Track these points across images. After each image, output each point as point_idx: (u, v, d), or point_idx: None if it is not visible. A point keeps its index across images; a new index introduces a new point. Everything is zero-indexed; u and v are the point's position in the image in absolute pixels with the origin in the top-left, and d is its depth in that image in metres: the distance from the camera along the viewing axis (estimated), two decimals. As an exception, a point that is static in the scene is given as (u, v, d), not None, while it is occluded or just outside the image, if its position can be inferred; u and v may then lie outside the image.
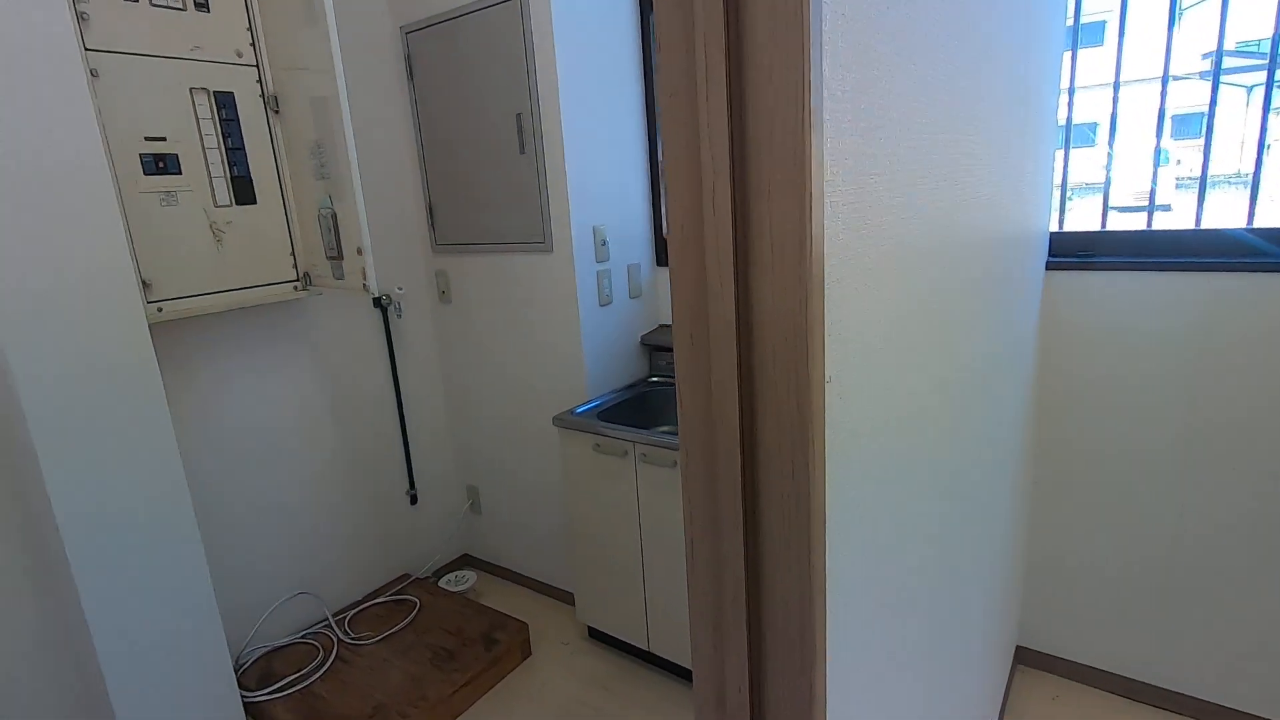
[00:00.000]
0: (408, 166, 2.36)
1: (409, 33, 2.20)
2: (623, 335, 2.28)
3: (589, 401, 2.12)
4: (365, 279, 1.75)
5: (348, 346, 2.27)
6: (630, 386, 2.27)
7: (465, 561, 2.77)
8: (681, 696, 1.96)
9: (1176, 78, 1.68)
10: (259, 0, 1.81)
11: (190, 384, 1.90)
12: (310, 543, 2.23)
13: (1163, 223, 1.68)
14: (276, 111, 1.87)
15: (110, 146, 1.58)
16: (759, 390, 0.53)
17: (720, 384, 0.54)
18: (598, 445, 1.94)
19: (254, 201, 1.86)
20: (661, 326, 2.42)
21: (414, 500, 2.54)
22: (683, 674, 2.03)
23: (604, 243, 2.14)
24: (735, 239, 0.50)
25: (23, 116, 1.31)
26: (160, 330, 1.80)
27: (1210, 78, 1.68)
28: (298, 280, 1.97)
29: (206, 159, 1.76)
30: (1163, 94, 1.67)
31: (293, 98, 1.83)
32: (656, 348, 2.36)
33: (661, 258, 2.38)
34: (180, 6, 1.69)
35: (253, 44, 1.83)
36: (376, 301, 2.31)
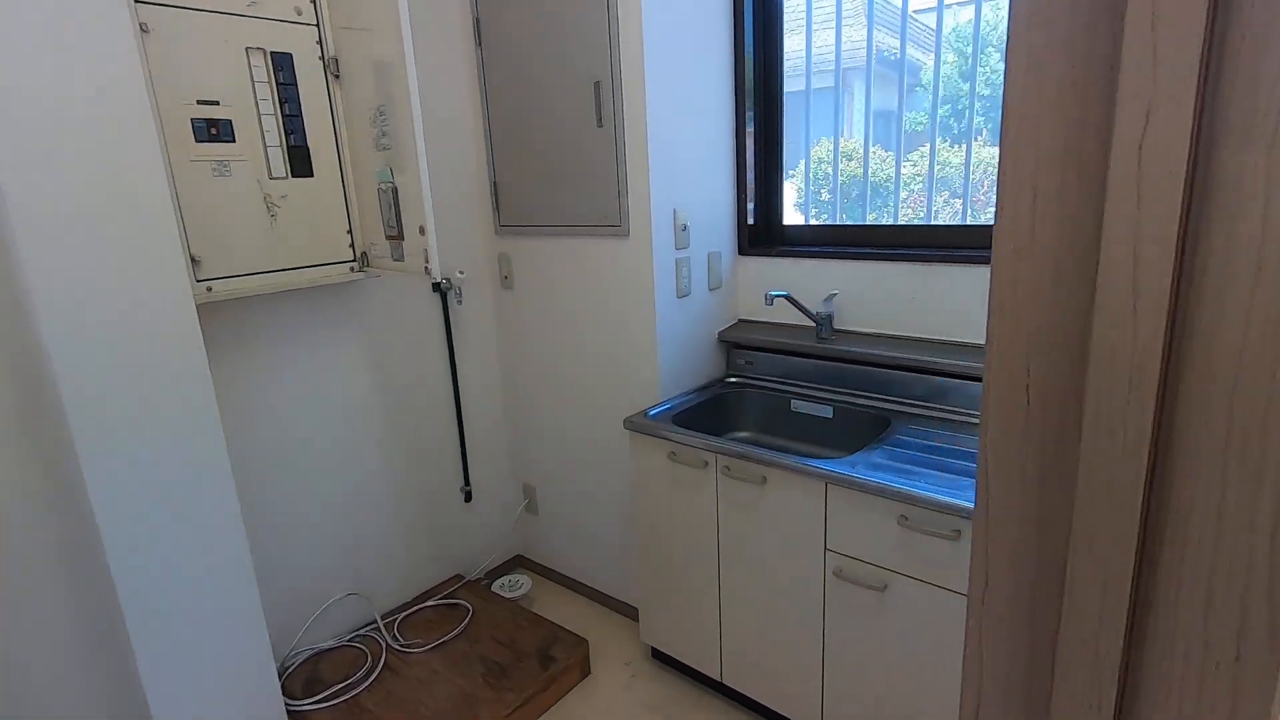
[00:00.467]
0: (471, 140, 2.19)
1: (479, -7, 2.02)
2: (700, 331, 2.08)
3: (662, 403, 1.93)
4: (427, 261, 1.58)
5: (404, 333, 2.12)
6: (706, 387, 2.07)
7: (519, 563, 2.62)
8: (757, 736, 1.76)
9: None
10: (321, -47, 1.65)
11: (238, 370, 1.78)
12: (360, 540, 2.10)
13: None
14: (336, 76, 1.71)
15: (160, 110, 1.45)
16: (1183, 490, 0.30)
17: (1097, 468, 0.32)
18: (674, 454, 1.74)
19: (311, 174, 1.72)
20: (741, 322, 2.20)
21: (468, 498, 2.39)
22: (755, 708, 1.83)
23: (685, 228, 1.93)
24: (1183, 226, 0.28)
25: (65, 74, 1.17)
26: (208, 311, 1.67)
27: None
28: (355, 261, 1.83)
29: (262, 126, 1.62)
30: None
31: (354, 61, 1.67)
32: (735, 345, 2.15)
33: (744, 246, 2.15)
34: (237, -43, 1.54)
35: (313, 1, 1.68)
36: (436, 286, 2.16)
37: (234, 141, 1.58)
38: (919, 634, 1.41)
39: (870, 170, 2.11)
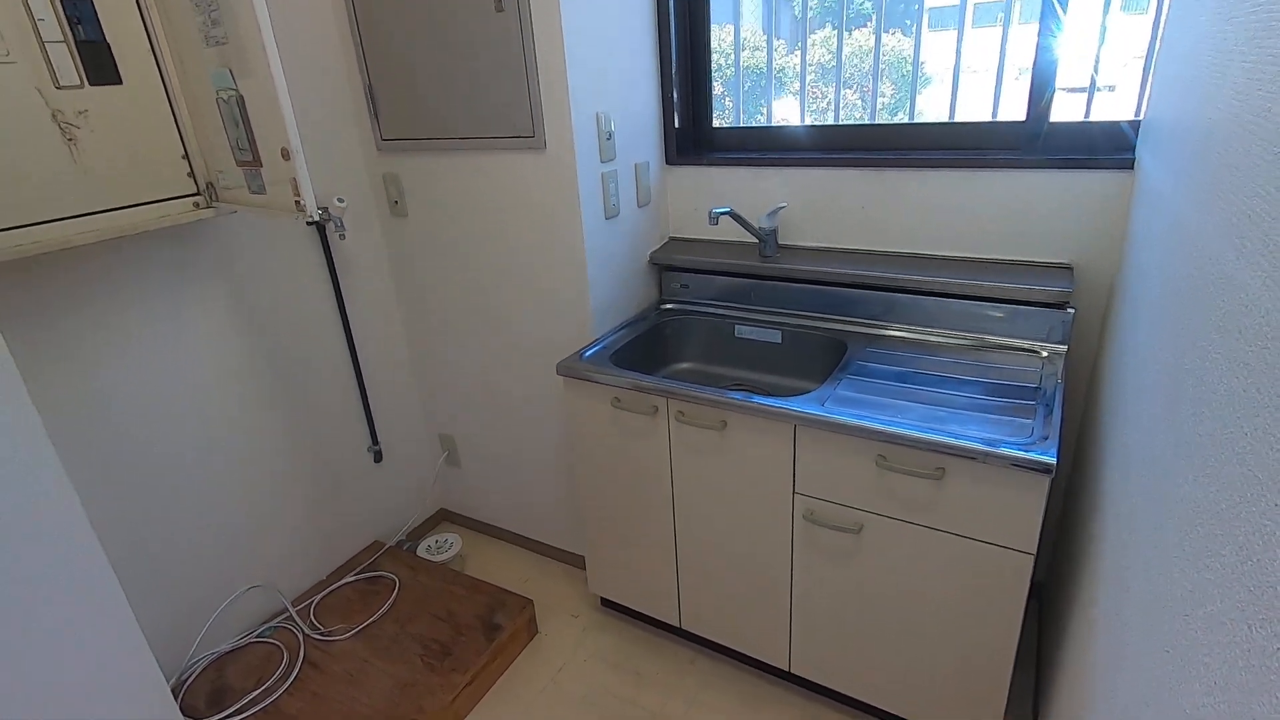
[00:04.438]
0: (335, 35, 1.76)
1: None
2: (631, 254, 1.84)
3: (596, 341, 1.71)
4: (298, 194, 1.24)
5: (277, 280, 1.76)
6: (641, 319, 1.86)
7: (444, 518, 2.41)
8: (727, 684, 1.70)
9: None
10: None
11: (62, 346, 1.39)
12: (260, 522, 1.80)
13: None
14: (134, -60, 1.26)
15: None
16: None
17: None
18: (618, 400, 1.55)
19: (118, 80, 1.29)
20: (673, 240, 1.98)
21: (378, 458, 2.12)
22: (719, 650, 1.77)
23: (610, 136, 1.65)
24: None
25: None
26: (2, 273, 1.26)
27: None
28: (199, 195, 1.44)
29: (31, 13, 1.17)
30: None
31: (157, -82, 1.23)
32: (669, 268, 1.93)
33: (672, 155, 1.90)
34: None
35: None
36: (311, 221, 1.78)
37: (-10, 35, 1.14)
38: (898, 573, 1.34)
39: (768, 63, 1.91)
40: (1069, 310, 1.46)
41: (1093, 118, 1.54)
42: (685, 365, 1.89)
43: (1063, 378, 1.38)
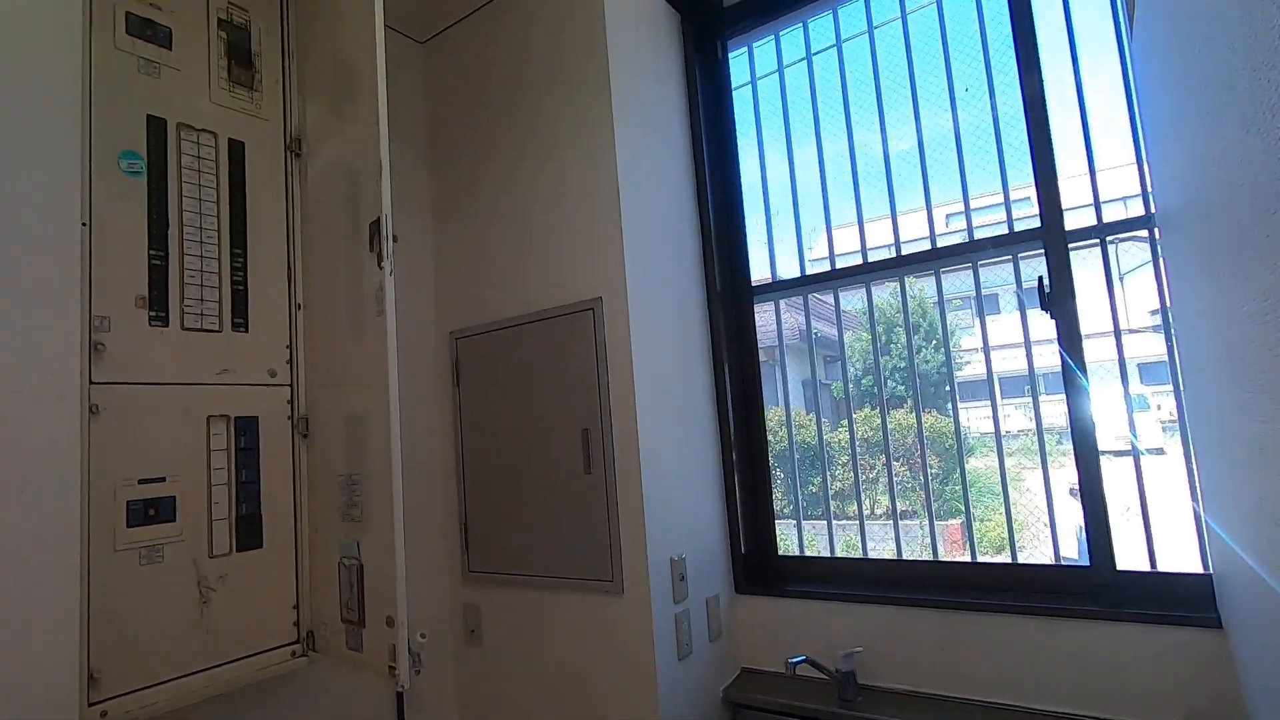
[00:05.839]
0: (442, 477, 2.04)
1: (459, 338, 2.03)
2: (703, 693, 1.78)
3: (670, 803, 1.56)
4: (394, 661, 1.31)
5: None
6: (716, 768, 1.71)
7: None
8: None
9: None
10: (305, 312, 1.62)
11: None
12: None
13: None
14: (305, 435, 1.58)
15: (91, 500, 1.24)
16: None
17: None
18: None
19: (260, 544, 1.49)
20: (746, 673, 1.92)
21: None
22: None
23: (683, 577, 1.74)
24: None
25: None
26: (97, 740, 1.30)
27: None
28: (298, 643, 1.52)
29: (210, 499, 1.42)
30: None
31: (325, 420, 1.56)
32: (743, 706, 1.84)
33: (741, 584, 1.97)
34: (216, 328, 1.47)
35: (290, 360, 1.60)
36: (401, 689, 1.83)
37: (174, 520, 1.37)
38: None
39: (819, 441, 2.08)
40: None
41: (1160, 568, 1.57)
42: (768, 831, 1.67)
43: None
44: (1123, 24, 1.63)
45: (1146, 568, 1.57)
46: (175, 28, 1.47)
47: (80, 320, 1.22)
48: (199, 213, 1.47)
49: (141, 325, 1.36)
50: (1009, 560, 1.73)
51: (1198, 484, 1.51)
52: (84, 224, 1.26)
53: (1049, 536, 1.74)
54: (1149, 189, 1.59)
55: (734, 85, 2.21)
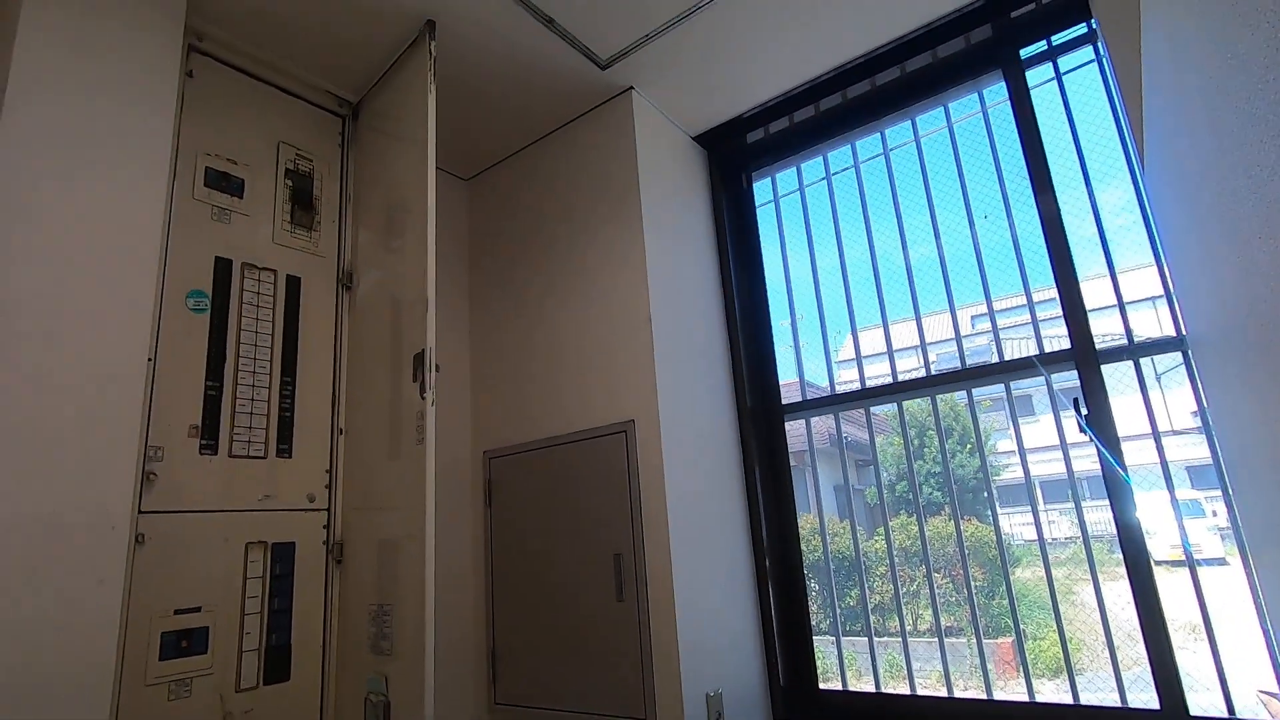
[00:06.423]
0: (470, 601, 2.00)
1: (493, 458, 2.05)
2: None
3: None
4: (418, 810, 1.24)
5: None
6: None
7: None
8: None
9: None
10: (346, 437, 1.66)
11: None
12: None
13: None
14: (339, 561, 1.58)
15: (127, 633, 1.25)
16: None
17: None
18: None
19: (287, 678, 1.46)
20: (789, 825, 1.78)
21: None
22: None
23: (719, 715, 1.65)
24: None
25: (31, 616, 1.00)
26: None
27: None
28: (318, 785, 1.46)
29: (242, 628, 1.42)
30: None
31: (360, 544, 1.57)
32: None
33: (781, 717, 1.85)
34: (261, 454, 1.52)
35: (329, 485, 1.63)
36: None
37: (205, 652, 1.36)
38: None
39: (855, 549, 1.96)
40: None
41: (1238, 712, 1.45)
42: None
43: None
44: (1133, 156, 1.70)
45: (1223, 713, 1.45)
46: (248, 178, 1.62)
47: (138, 451, 1.27)
48: (254, 344, 1.55)
49: (192, 454, 1.41)
50: (1069, 695, 1.62)
51: (1262, 598, 1.42)
52: (149, 359, 1.34)
53: (1108, 659, 1.63)
54: (1179, 315, 1.60)
55: (758, 203, 2.32)
